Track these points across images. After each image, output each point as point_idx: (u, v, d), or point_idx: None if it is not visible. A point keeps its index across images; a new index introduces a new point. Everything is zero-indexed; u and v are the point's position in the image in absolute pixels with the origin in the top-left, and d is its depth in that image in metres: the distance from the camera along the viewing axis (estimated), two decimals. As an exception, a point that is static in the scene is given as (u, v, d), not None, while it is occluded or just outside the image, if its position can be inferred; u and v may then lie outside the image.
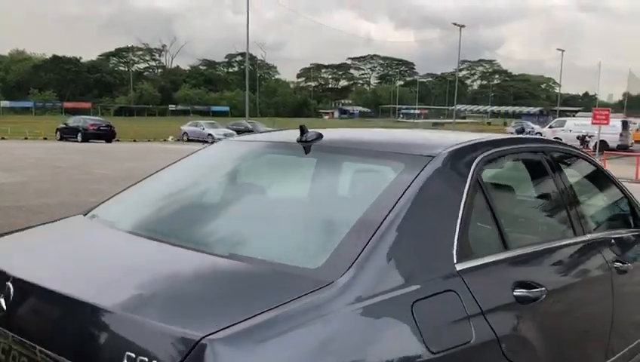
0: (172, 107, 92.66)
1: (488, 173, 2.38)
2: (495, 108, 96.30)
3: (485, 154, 2.25)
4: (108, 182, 12.55)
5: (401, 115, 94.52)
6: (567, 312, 2.37)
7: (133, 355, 1.41)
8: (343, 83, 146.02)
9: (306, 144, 2.34)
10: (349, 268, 1.64)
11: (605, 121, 21.33)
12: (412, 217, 1.86)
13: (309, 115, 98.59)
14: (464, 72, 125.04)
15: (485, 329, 1.82)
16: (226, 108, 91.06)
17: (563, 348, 2.28)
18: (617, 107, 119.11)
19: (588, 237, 2.66)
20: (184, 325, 1.43)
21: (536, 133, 35.22)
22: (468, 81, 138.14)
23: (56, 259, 2.10)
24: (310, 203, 2.39)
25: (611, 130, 28.37)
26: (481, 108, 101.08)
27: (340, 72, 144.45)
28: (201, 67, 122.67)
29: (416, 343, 1.61)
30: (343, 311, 1.54)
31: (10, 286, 1.77)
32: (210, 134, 33.55)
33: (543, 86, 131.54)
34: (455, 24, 62.38)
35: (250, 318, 1.43)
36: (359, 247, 1.71)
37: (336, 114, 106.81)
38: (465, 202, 2.00)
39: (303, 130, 2.37)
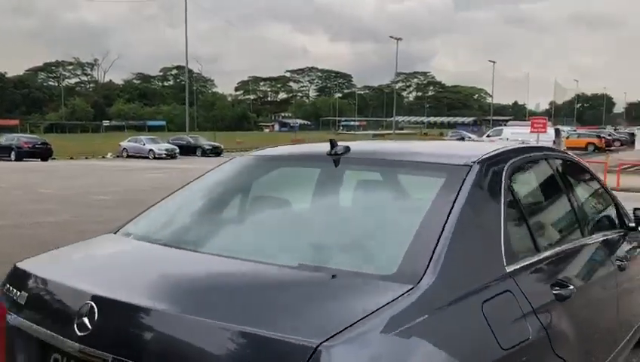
0: (106, 123, 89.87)
1: (515, 180, 2.46)
2: (432, 119, 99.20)
3: (512, 161, 2.36)
4: (57, 202, 12.03)
5: (341, 127, 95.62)
6: (589, 306, 2.54)
7: None
8: (282, 96, 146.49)
9: (337, 157, 2.39)
10: (425, 273, 1.69)
11: (543, 129, 22.36)
12: (467, 223, 1.93)
13: (249, 128, 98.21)
14: (400, 84, 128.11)
15: (537, 326, 1.93)
16: (163, 123, 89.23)
17: (589, 339, 2.46)
18: (544, 115, 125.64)
19: (595, 237, 2.88)
20: (296, 334, 1.42)
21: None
22: (404, 93, 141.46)
23: (127, 275, 2.04)
24: (362, 212, 2.41)
25: (546, 137, 29.74)
26: (418, 118, 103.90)
27: (279, 85, 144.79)
28: (135, 81, 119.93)
29: (491, 341, 1.70)
30: (431, 313, 1.60)
31: (93, 304, 1.69)
32: (151, 150, 32.82)
33: (475, 97, 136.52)
34: (392, 37, 64.01)
35: (355, 323, 1.45)
36: (428, 253, 1.76)
37: (277, 127, 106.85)
38: (504, 207, 2.10)
39: (332, 144, 2.41)
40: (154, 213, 2.61)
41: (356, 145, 2.56)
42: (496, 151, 2.39)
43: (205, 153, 34.81)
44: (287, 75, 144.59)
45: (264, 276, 1.88)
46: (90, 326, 1.68)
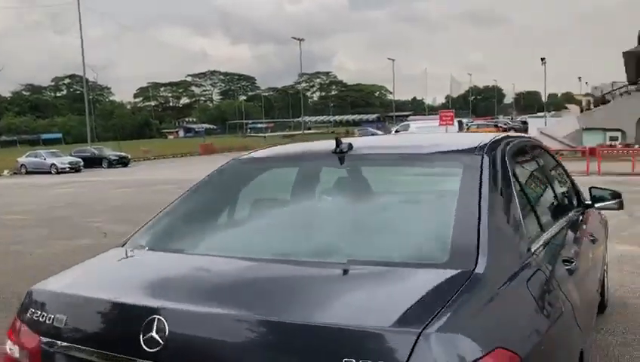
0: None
1: (515, 166, 2.62)
2: (337, 118, 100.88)
3: (508, 148, 2.51)
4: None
5: (249, 130, 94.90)
6: (582, 277, 2.76)
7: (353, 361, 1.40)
8: (185, 100, 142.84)
9: (342, 154, 2.44)
10: (477, 258, 1.78)
11: (451, 122, 23.46)
12: (496, 207, 2.05)
13: (152, 135, 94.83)
14: (304, 85, 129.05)
15: (563, 299, 2.10)
16: (59, 135, 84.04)
17: (586, 307, 2.69)
18: (441, 109, 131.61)
19: (570, 215, 3.15)
20: (396, 325, 1.48)
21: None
22: (308, 93, 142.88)
23: (181, 285, 1.99)
24: (393, 206, 2.46)
25: (451, 129, 31.41)
26: (325, 118, 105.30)
27: (180, 90, 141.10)
28: (24, 93, 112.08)
29: (540, 316, 1.84)
30: (494, 294, 1.70)
31: (161, 318, 1.64)
32: (53, 164, 31.00)
33: (376, 94, 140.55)
34: (295, 38, 64.56)
35: (442, 311, 1.51)
36: (473, 239, 1.85)
37: (181, 133, 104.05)
38: (515, 190, 2.25)
39: (338, 142, 2.47)
40: (164, 222, 2.53)
41: (358, 143, 2.61)
42: (492, 140, 2.52)
43: (112, 164, 33.41)
44: (189, 79, 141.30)
45: (320, 275, 1.91)
46: (161, 341, 1.61)
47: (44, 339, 1.87)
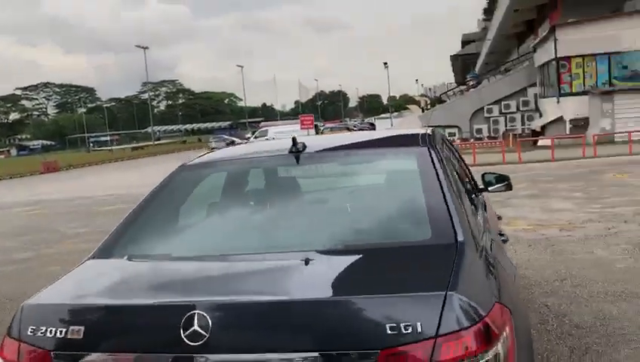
0: None
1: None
2: (188, 127, 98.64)
3: (435, 141, 2.89)
4: None
5: (92, 144, 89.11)
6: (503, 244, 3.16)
7: (394, 325, 1.63)
8: (15, 116, 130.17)
9: (300, 153, 2.66)
10: (455, 233, 2.09)
11: (311, 126, 24.27)
12: (451, 189, 2.38)
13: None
14: (149, 94, 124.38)
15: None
16: None
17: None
18: (291, 114, 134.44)
19: (475, 198, 3.57)
20: (426, 290, 1.77)
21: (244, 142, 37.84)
22: (154, 103, 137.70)
23: (202, 282, 2.10)
24: (365, 196, 2.68)
25: (311, 132, 32.54)
26: (174, 127, 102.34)
27: (9, 105, 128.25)
28: None
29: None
30: (477, 259, 2.03)
31: (201, 312, 1.73)
32: None
33: (226, 101, 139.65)
34: (139, 46, 61.99)
35: (452, 276, 1.80)
36: (445, 217, 2.17)
37: (14, 151, 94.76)
38: (450, 174, 2.61)
39: (294, 142, 2.68)
40: (131, 231, 2.52)
41: (310, 142, 2.81)
42: (423, 135, 2.88)
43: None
44: (18, 92, 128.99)
45: (331, 260, 2.11)
46: (205, 333, 1.69)
47: (57, 353, 1.83)
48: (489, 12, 61.73)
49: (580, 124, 22.59)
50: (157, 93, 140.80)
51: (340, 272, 2.02)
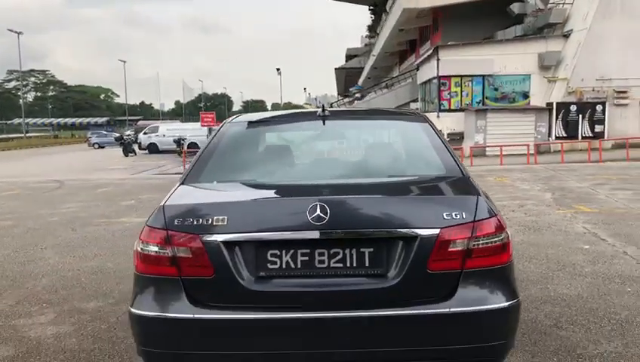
0: None
1: None
2: (61, 121, 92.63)
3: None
4: None
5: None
6: None
7: (448, 213, 2.52)
8: None
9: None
10: (461, 170, 3.03)
11: (212, 123, 24.55)
12: (445, 141, 3.31)
13: None
14: (14, 83, 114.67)
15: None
16: None
17: None
18: (171, 114, 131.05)
19: None
20: (464, 194, 2.72)
21: (132, 138, 36.93)
22: (20, 93, 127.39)
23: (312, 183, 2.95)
24: (389, 146, 3.55)
25: (200, 132, 32.54)
26: (45, 120, 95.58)
27: None
28: None
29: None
30: (477, 185, 2.91)
31: (323, 203, 2.48)
32: None
33: (102, 97, 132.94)
34: (11, 30, 57.60)
35: (477, 189, 2.74)
36: (450, 160, 3.12)
37: None
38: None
39: (323, 107, 3.51)
40: (210, 166, 3.16)
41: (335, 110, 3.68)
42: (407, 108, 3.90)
43: None
44: None
45: (389, 183, 2.97)
46: (326, 216, 2.46)
47: (205, 235, 2.48)
48: (372, 29, 65.35)
49: (457, 138, 25.10)
50: (25, 83, 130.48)
51: (397, 184, 2.90)
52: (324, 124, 3.46)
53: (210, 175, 3.09)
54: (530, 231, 7.49)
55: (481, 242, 2.50)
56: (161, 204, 2.69)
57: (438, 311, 2.44)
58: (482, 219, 2.54)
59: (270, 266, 2.50)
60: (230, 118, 3.77)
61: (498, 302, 2.49)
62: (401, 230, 2.48)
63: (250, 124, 3.74)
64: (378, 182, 2.97)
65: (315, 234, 2.46)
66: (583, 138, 23.84)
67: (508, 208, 9.38)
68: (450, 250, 2.47)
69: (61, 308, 4.80)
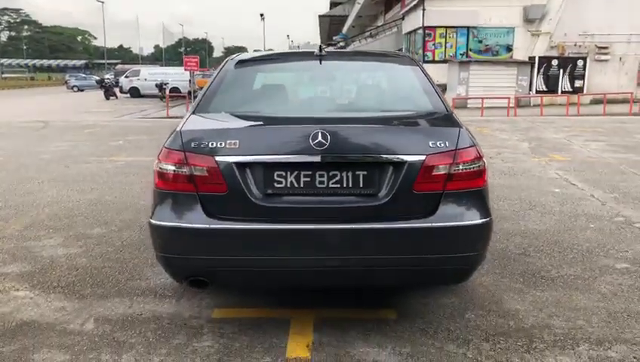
0: None
1: None
2: (37, 62, 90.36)
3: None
4: None
5: None
6: None
7: (433, 142, 2.87)
8: None
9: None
10: (447, 109, 3.36)
11: (196, 67, 24.36)
12: (433, 81, 3.63)
13: None
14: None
15: None
16: None
17: None
18: (150, 58, 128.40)
19: None
20: (447, 126, 3.04)
21: (113, 82, 36.47)
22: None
23: (314, 113, 3.38)
24: (381, 84, 3.85)
25: (182, 77, 32.29)
26: (20, 62, 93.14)
27: None
28: None
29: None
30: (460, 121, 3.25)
31: (324, 131, 2.80)
32: None
33: (79, 39, 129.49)
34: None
35: (459, 122, 3.09)
36: (437, 99, 3.45)
37: None
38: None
39: (320, 47, 3.78)
40: (217, 99, 3.44)
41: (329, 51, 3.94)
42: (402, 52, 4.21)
43: None
44: None
45: (378, 116, 3.31)
46: (326, 142, 2.78)
47: (219, 155, 2.79)
48: (358, -24, 64.12)
49: (440, 89, 25.38)
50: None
51: (389, 117, 3.22)
52: (320, 63, 3.75)
53: (219, 106, 3.37)
54: (505, 176, 7.94)
55: (461, 168, 2.86)
56: (177, 129, 2.98)
57: (421, 225, 2.82)
58: (463, 148, 2.89)
59: (277, 185, 2.84)
60: (233, 56, 4.01)
61: (474, 218, 2.88)
62: (392, 156, 2.83)
63: (253, 61, 4.00)
64: (372, 116, 3.31)
65: (316, 158, 2.79)
66: (562, 92, 24.30)
67: (486, 156, 9.72)
68: (433, 174, 2.83)
69: (67, 233, 5.12)
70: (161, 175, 2.94)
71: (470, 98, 23.42)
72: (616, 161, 9.26)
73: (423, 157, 2.82)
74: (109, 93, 32.80)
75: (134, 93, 34.57)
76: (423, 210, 2.85)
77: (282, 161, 2.83)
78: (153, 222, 2.94)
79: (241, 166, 2.82)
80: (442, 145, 2.86)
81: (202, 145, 2.85)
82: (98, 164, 9.13)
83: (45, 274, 4.11)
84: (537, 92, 24.49)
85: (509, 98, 21.24)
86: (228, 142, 2.84)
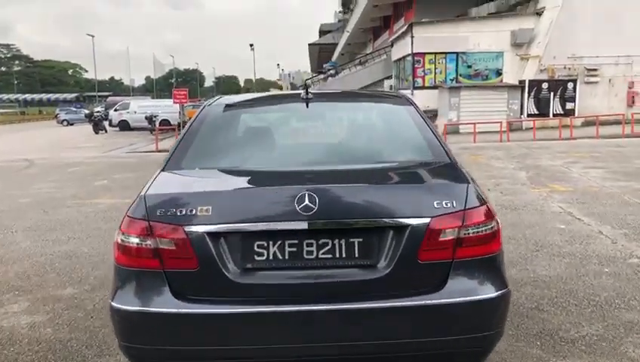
0: None
1: None
2: (28, 97, 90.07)
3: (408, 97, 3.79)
4: None
5: None
6: None
7: (438, 201, 2.46)
8: None
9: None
10: (449, 157, 2.96)
11: (185, 100, 24.08)
12: (431, 125, 3.25)
13: None
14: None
15: None
16: None
17: None
18: (142, 90, 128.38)
19: None
20: (454, 182, 2.65)
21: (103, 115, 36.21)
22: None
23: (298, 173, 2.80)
24: (374, 130, 3.46)
25: (172, 109, 31.98)
26: (11, 96, 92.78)
27: None
28: None
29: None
30: (466, 172, 2.84)
31: (312, 193, 2.40)
32: None
33: (70, 72, 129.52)
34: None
35: (466, 176, 2.69)
36: (437, 144, 3.05)
37: None
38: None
39: (307, 90, 3.41)
40: (192, 151, 3.04)
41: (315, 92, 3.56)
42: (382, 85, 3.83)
43: None
44: None
45: (375, 169, 2.89)
46: (314, 206, 2.38)
47: (189, 225, 2.38)
48: (345, 5, 64.78)
49: (431, 115, 25.15)
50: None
51: (386, 171, 2.82)
52: (307, 107, 3.38)
53: (192, 161, 2.98)
54: (507, 210, 7.55)
55: (472, 231, 2.46)
56: (142, 193, 2.57)
57: (429, 302, 2.39)
58: (472, 208, 2.49)
59: (257, 258, 2.42)
60: (210, 101, 3.64)
61: (489, 292, 2.46)
62: (391, 219, 2.42)
63: (232, 106, 3.61)
64: (366, 169, 2.89)
65: (303, 225, 2.38)
66: (554, 115, 24.12)
67: (484, 187, 9.39)
68: (440, 239, 2.42)
69: (35, 296, 4.66)
70: (123, 248, 2.51)
71: (462, 123, 23.20)
72: (619, 190, 8.91)
73: (427, 220, 2.41)
74: (98, 127, 32.42)
75: (124, 126, 34.19)
76: (430, 283, 2.43)
77: (263, 229, 2.41)
78: (114, 305, 2.51)
79: (215, 236, 2.40)
80: (449, 204, 2.46)
81: (170, 213, 2.44)
82: (79, 208, 8.67)
83: (1, 352, 3.64)
84: (529, 115, 24.30)
85: (500, 122, 21.03)
86: (199, 208, 2.43)
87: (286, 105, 3.73)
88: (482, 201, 2.54)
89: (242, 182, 2.83)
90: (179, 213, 2.43)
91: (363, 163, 2.96)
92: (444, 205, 2.45)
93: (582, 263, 5.11)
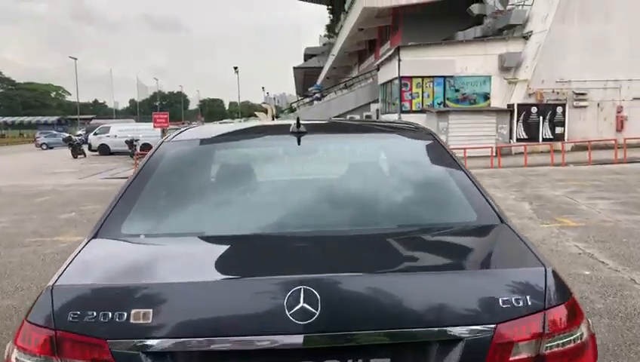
0: None
1: None
2: (8, 119, 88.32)
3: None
4: None
5: None
6: None
7: (506, 299, 1.62)
8: None
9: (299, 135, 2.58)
10: (496, 212, 2.15)
11: (166, 124, 23.24)
12: (462, 165, 2.45)
13: None
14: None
15: None
16: None
17: None
18: (126, 113, 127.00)
19: None
20: (524, 264, 1.81)
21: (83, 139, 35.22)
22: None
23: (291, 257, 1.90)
24: (391, 178, 2.60)
25: (153, 133, 31.07)
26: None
27: None
28: None
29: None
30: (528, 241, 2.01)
31: (307, 288, 1.56)
32: None
33: (52, 95, 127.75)
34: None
35: (536, 253, 1.85)
36: (479, 195, 2.23)
37: None
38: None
39: (299, 121, 2.60)
40: (139, 210, 2.19)
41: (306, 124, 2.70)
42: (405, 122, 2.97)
43: None
44: None
45: (399, 238, 2.04)
46: (316, 309, 1.53)
47: (117, 341, 1.52)
48: (331, 29, 64.74)
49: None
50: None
51: (419, 250, 1.95)
52: (299, 143, 2.53)
53: (137, 223, 2.11)
54: (517, 250, 6.74)
55: (557, 342, 1.61)
56: (50, 283, 1.70)
57: None
58: (557, 305, 1.64)
59: None
60: (170, 136, 2.75)
61: None
62: (433, 329, 1.57)
63: (198, 143, 2.71)
64: (389, 246, 2.01)
65: (297, 339, 1.53)
66: (543, 140, 23.62)
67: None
68: (512, 358, 1.58)
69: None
70: None
71: (452, 148, 22.57)
72: (636, 224, 8.15)
73: (490, 328, 1.57)
74: (76, 151, 31.31)
75: (104, 150, 33.09)
76: None
77: (234, 347, 1.54)
78: None
79: (159, 357, 1.55)
80: (521, 302, 1.61)
81: (88, 318, 1.56)
82: (37, 248, 7.70)
83: None
84: (518, 140, 23.76)
85: (491, 147, 20.42)
86: (135, 311, 1.56)
87: (270, 142, 2.80)
88: (568, 292, 1.71)
89: (204, 264, 1.88)
90: (103, 319, 1.55)
91: (380, 227, 2.10)
92: (515, 303, 1.60)
93: (626, 325, 4.27)
